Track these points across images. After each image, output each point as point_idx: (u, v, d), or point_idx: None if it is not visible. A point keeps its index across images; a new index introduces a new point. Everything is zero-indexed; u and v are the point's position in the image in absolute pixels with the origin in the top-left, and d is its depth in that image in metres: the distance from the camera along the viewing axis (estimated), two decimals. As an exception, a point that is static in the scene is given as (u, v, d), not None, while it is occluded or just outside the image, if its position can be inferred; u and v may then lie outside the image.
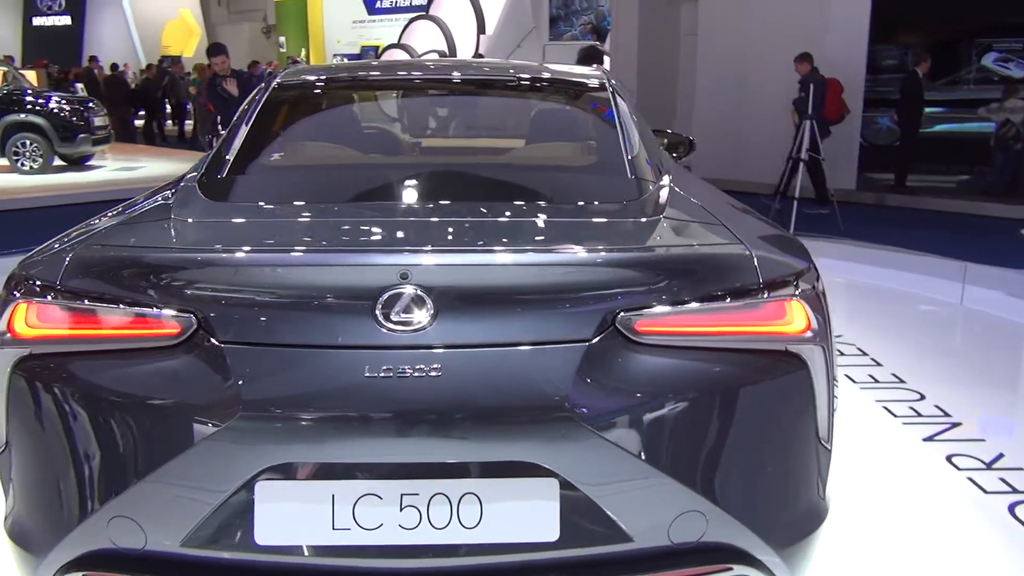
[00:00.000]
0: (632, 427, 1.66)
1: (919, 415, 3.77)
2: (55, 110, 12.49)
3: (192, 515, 1.64)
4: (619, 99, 2.73)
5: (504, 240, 1.78)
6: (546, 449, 1.63)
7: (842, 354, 4.59)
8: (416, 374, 1.61)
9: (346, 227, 1.92)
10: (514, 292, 1.67)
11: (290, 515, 1.64)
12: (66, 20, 29.30)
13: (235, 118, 2.63)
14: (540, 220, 1.94)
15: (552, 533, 1.66)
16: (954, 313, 5.53)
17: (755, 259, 1.81)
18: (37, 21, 29.60)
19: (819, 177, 9.08)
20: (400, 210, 2.09)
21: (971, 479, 3.16)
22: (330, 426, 1.62)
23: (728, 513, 1.73)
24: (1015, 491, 3.06)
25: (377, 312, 1.62)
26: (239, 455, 1.62)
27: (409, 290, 1.63)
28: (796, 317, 1.80)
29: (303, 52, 26.41)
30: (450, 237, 1.83)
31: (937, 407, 3.84)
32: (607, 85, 2.83)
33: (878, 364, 4.42)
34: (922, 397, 3.97)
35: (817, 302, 1.86)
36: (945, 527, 2.81)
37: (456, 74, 2.95)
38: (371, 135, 2.88)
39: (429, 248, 1.69)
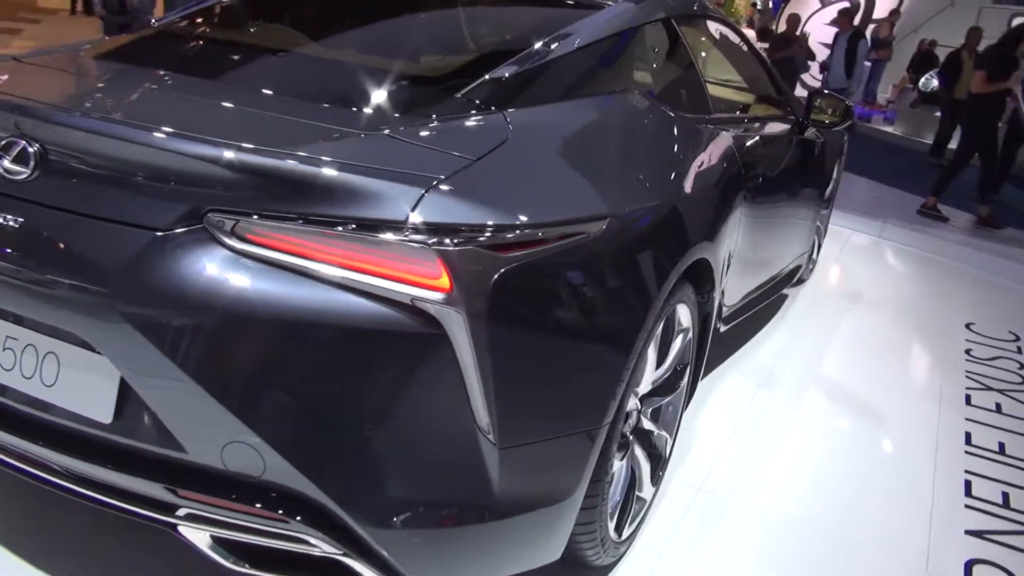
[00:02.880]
0: (184, 335, 1.51)
1: (1001, 506, 2.87)
2: None
3: None
4: (600, 14, 2.37)
5: (122, 115, 1.68)
6: (96, 331, 1.57)
7: (1000, 411, 3.61)
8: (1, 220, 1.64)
9: (24, 79, 1.97)
10: (107, 166, 1.60)
11: None
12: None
13: None
14: (211, 109, 1.80)
15: (106, 415, 1.62)
16: None
17: (423, 197, 1.52)
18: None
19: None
20: (94, 73, 2.06)
21: (967, 592, 2.38)
22: None
23: (290, 462, 1.53)
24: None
25: None
26: None
27: (18, 141, 1.63)
28: (431, 271, 1.50)
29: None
30: (78, 103, 1.77)
31: (1042, 505, 2.90)
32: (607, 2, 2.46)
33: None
34: (1037, 488, 3.01)
35: (474, 262, 1.52)
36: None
37: None
38: (283, 18, 2.77)
39: (44, 106, 1.69)
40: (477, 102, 1.94)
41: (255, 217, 1.51)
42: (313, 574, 1.66)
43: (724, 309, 3.09)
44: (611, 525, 2.12)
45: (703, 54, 3.17)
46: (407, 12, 2.58)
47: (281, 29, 2.57)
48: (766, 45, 11.44)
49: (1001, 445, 3.31)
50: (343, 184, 1.52)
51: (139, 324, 1.52)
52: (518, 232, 1.59)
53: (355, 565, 1.61)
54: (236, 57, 2.29)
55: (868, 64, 16.95)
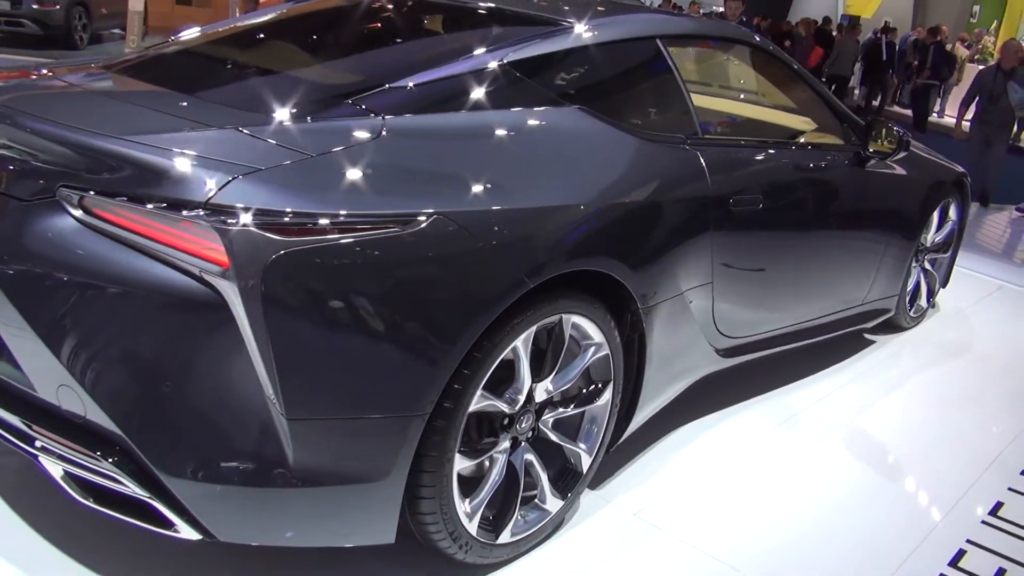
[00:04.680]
0: (26, 287, 1.83)
1: None
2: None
3: None
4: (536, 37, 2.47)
5: (10, 105, 2.01)
6: None
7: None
8: None
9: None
10: (13, 147, 1.93)
11: None
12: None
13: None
14: (97, 104, 2.12)
15: None
16: None
17: (227, 184, 1.74)
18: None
19: None
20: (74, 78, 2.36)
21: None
22: None
23: (99, 407, 1.79)
24: None
25: None
26: None
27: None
28: (215, 246, 1.71)
29: (994, 24, 23.28)
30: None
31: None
32: (559, 21, 2.55)
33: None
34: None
35: (252, 243, 1.70)
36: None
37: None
38: (275, 39, 2.99)
39: None
40: (365, 108, 2.11)
41: (92, 193, 1.79)
42: (137, 515, 1.89)
43: (722, 340, 3.01)
44: (471, 523, 2.17)
45: (718, 75, 3.10)
46: (340, 24, 2.81)
47: (217, 41, 2.85)
48: None
49: (1033, 521, 2.94)
50: (164, 169, 1.80)
51: None
52: (305, 220, 1.74)
53: (162, 509, 1.82)
54: (158, 60, 2.63)
55: None
